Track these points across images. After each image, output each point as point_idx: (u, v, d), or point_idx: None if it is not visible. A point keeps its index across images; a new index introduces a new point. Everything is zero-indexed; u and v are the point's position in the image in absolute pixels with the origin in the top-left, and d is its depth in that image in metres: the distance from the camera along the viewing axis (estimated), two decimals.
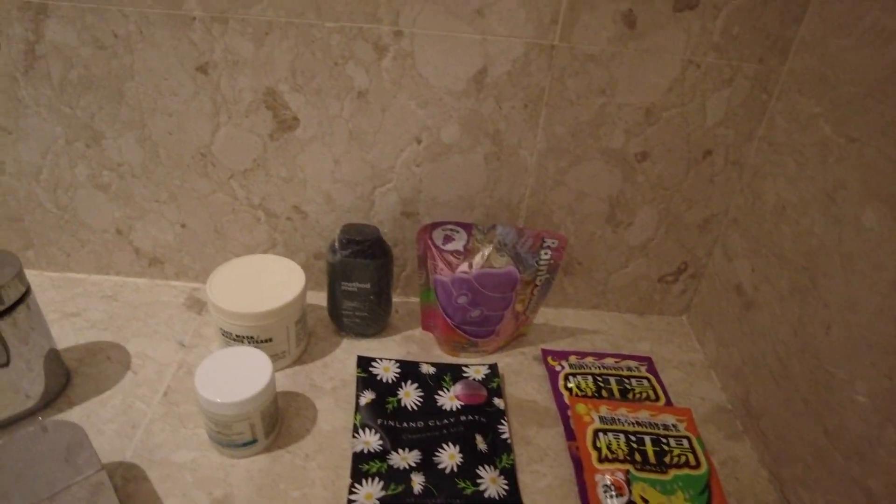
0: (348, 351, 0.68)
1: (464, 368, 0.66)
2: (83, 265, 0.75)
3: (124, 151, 0.66)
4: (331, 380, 0.64)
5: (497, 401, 0.63)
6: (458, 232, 0.63)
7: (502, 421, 0.61)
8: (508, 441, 0.59)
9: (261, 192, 0.68)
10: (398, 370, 0.64)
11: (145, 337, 0.67)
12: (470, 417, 0.60)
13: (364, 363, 0.64)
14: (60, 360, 0.61)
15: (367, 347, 0.68)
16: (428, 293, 0.68)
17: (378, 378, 0.63)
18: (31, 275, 0.75)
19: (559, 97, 0.62)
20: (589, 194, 0.68)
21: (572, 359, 0.69)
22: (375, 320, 0.68)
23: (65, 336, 0.66)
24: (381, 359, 0.65)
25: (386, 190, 0.68)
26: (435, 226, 0.63)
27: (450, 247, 0.64)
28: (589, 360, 0.69)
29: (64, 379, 0.61)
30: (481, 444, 0.57)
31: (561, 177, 0.67)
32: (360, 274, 0.64)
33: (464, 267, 0.63)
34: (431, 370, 0.65)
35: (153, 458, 0.54)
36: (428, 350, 0.69)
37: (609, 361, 0.70)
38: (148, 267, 0.75)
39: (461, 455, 0.56)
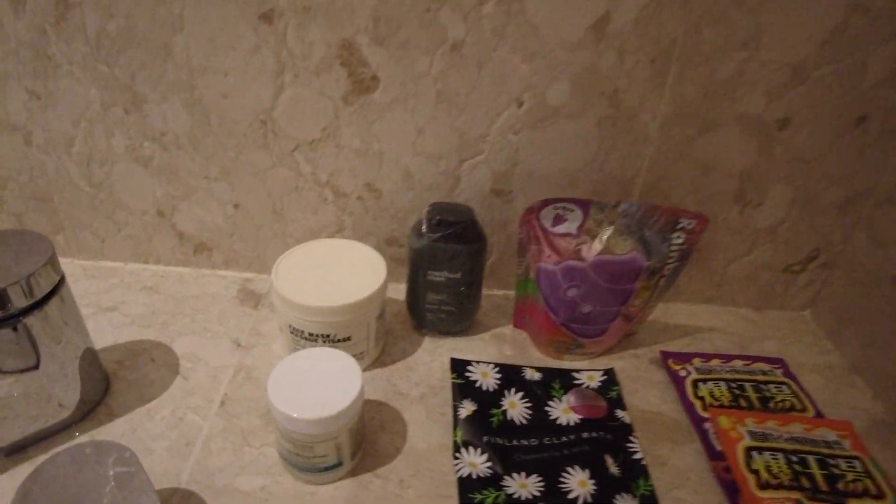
0: (431, 352, 0.57)
1: (574, 374, 0.55)
2: (119, 252, 0.65)
3: (169, 118, 0.56)
4: (417, 386, 0.54)
5: (621, 413, 0.52)
6: (571, 211, 0.53)
7: (631, 438, 0.50)
8: (643, 462, 0.48)
9: (329, 167, 0.58)
10: (498, 376, 0.53)
11: (194, 335, 0.57)
12: (593, 434, 0.49)
13: (459, 367, 0.54)
14: (98, 363, 0.51)
15: (454, 347, 0.58)
16: (526, 284, 0.58)
17: (477, 385, 0.52)
18: (62, 263, 0.65)
19: (693, 51, 0.52)
20: (717, 168, 0.58)
21: (697, 361, 0.58)
22: (463, 316, 0.58)
23: (101, 333, 0.56)
24: (477, 362, 0.54)
25: (475, 163, 0.57)
26: (545, 203, 0.53)
27: (560, 229, 0.53)
28: (715, 362, 0.59)
29: (103, 385, 0.51)
30: (612, 467, 0.47)
31: (686, 147, 0.56)
32: (451, 261, 0.53)
33: (579, 252, 0.52)
34: (537, 376, 0.54)
35: (214, 485, 0.44)
36: (523, 351, 0.59)
37: (738, 364, 0.59)
38: (193, 254, 0.65)
39: (593, 481, 0.45)
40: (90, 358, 0.49)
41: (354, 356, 0.51)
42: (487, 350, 0.58)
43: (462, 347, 0.58)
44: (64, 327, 0.46)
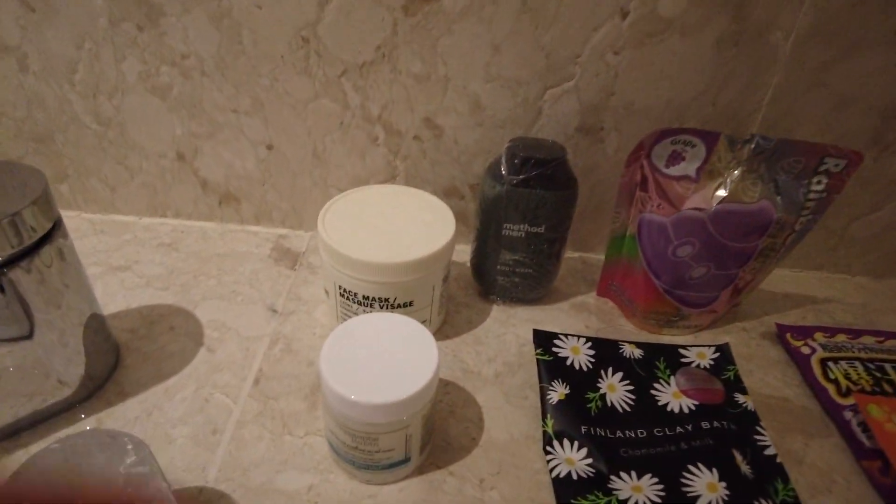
0: (503, 322, 0.48)
1: (682, 352, 0.45)
2: (133, 203, 0.56)
3: (192, 36, 0.46)
4: (489, 362, 0.44)
5: (741, 398, 0.42)
6: (693, 146, 0.42)
7: (759, 429, 0.40)
8: (778, 460, 0.38)
9: (382, 98, 0.48)
10: (591, 352, 0.44)
11: (220, 300, 0.48)
12: (714, 424, 0.39)
13: (544, 340, 0.44)
14: (107, 331, 0.42)
15: (529, 318, 0.48)
16: (621, 243, 0.48)
17: (569, 363, 0.43)
18: (67, 217, 0.56)
19: None
20: (856, 101, 0.47)
21: (819, 337, 0.48)
22: (543, 280, 0.48)
23: (110, 297, 0.47)
24: (565, 335, 0.45)
25: (562, 92, 0.47)
26: (662, 135, 0.42)
27: (676, 170, 0.43)
28: (841, 338, 0.48)
29: (112, 357, 0.42)
30: (743, 466, 0.37)
31: (823, 73, 0.45)
32: (535, 211, 0.43)
33: (696, 200, 0.42)
34: (637, 353, 0.44)
35: (248, 483, 0.35)
36: (613, 324, 0.49)
37: (869, 341, 0.49)
38: (218, 206, 0.56)
39: (723, 484, 0.35)
40: (97, 326, 0.40)
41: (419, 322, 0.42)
42: (569, 322, 0.48)
43: (539, 318, 0.48)
44: (64, 289, 0.37)
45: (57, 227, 0.36)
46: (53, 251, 0.35)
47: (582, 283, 0.53)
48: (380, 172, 0.52)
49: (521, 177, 0.42)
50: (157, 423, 0.38)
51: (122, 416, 0.38)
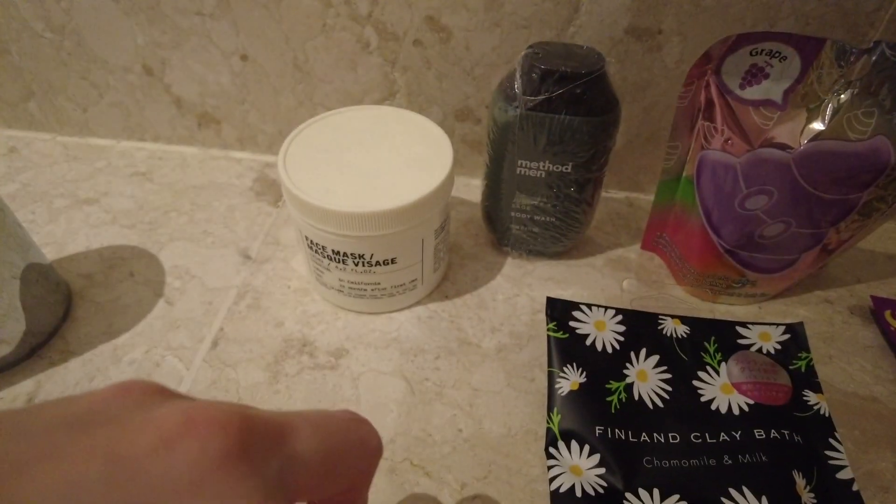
0: (517, 280, 0.39)
1: (740, 330, 0.35)
2: (107, 126, 0.49)
3: None
4: (493, 332, 0.36)
5: (812, 398, 0.32)
6: (782, 58, 0.30)
7: (833, 442, 0.31)
8: (855, 487, 0.29)
9: None
10: (621, 328, 0.35)
11: (189, 242, 0.42)
12: (774, 434, 0.30)
13: (560, 311, 0.35)
14: (55, 280, 0.36)
15: (550, 276, 0.39)
16: (675, 186, 0.37)
17: (589, 342, 0.34)
18: (38, 140, 0.50)
19: None
20: None
21: None
22: (569, 231, 0.38)
23: (72, 235, 0.42)
24: (589, 305, 0.36)
25: None
26: (737, 43, 0.30)
27: (755, 92, 0.31)
28: None
29: (61, 308, 0.37)
30: (805, 494, 0.28)
31: None
32: (560, 144, 0.33)
33: (779, 134, 0.30)
34: (681, 330, 0.35)
35: None
36: (657, 287, 0.39)
37: None
38: (198, 129, 0.48)
39: None
40: (37, 277, 0.35)
41: (400, 287, 0.34)
42: (601, 283, 0.39)
43: (562, 277, 0.39)
44: None
45: None
46: None
47: (624, 232, 0.43)
48: (375, 88, 0.42)
49: (540, 97, 0.32)
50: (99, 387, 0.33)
51: (61, 381, 0.34)
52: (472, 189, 0.45)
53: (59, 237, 0.42)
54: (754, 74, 0.30)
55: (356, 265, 0.33)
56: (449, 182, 0.33)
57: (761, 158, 0.31)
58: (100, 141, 0.50)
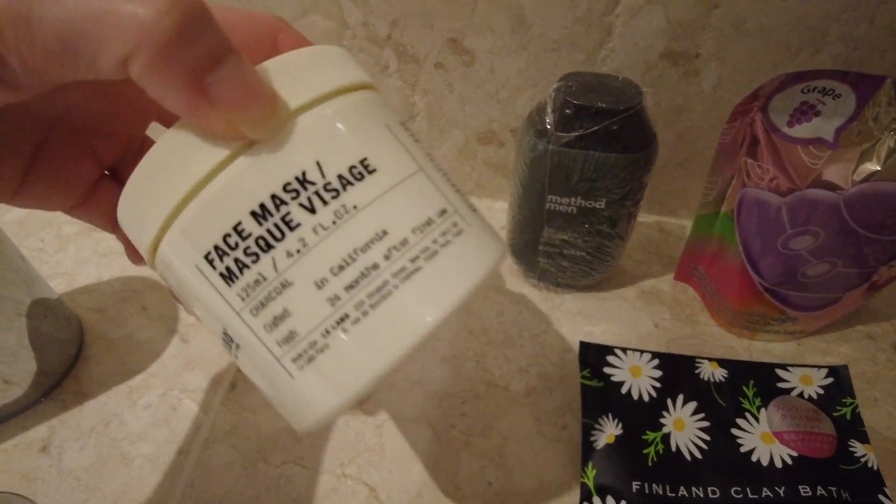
0: (545, 316, 0.38)
1: (779, 373, 0.34)
2: None
3: None
4: (521, 373, 0.35)
5: (859, 450, 0.31)
6: (836, 96, 0.28)
7: (882, 498, 0.29)
8: None
9: (391, 11, 0.36)
10: (656, 372, 0.33)
11: None
12: (820, 491, 0.29)
13: (594, 356, 0.34)
14: (65, 316, 0.35)
15: (579, 311, 0.38)
16: (713, 221, 0.35)
17: (625, 390, 0.32)
18: None
19: None
20: None
21: None
22: (601, 263, 0.37)
23: (82, 265, 0.41)
24: (623, 349, 0.34)
25: (643, 1, 0.33)
26: (790, 81, 0.28)
27: (804, 130, 0.29)
28: None
29: (73, 347, 0.36)
30: None
31: None
32: (593, 182, 0.31)
33: (829, 174, 0.29)
34: (719, 374, 0.33)
35: None
36: (691, 323, 0.37)
37: None
38: None
39: None
40: (44, 313, 0.33)
41: (430, 223, 0.16)
42: (632, 318, 0.37)
43: (593, 312, 0.38)
44: None
45: None
46: None
47: (655, 260, 0.41)
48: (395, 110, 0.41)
49: (574, 134, 0.30)
50: (115, 438, 0.32)
51: (76, 427, 0.32)
52: (495, 213, 0.44)
53: (68, 267, 0.40)
54: (804, 112, 0.28)
55: (311, 206, 0.15)
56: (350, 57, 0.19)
57: (808, 199, 0.29)
58: None
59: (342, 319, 0.15)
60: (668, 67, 0.35)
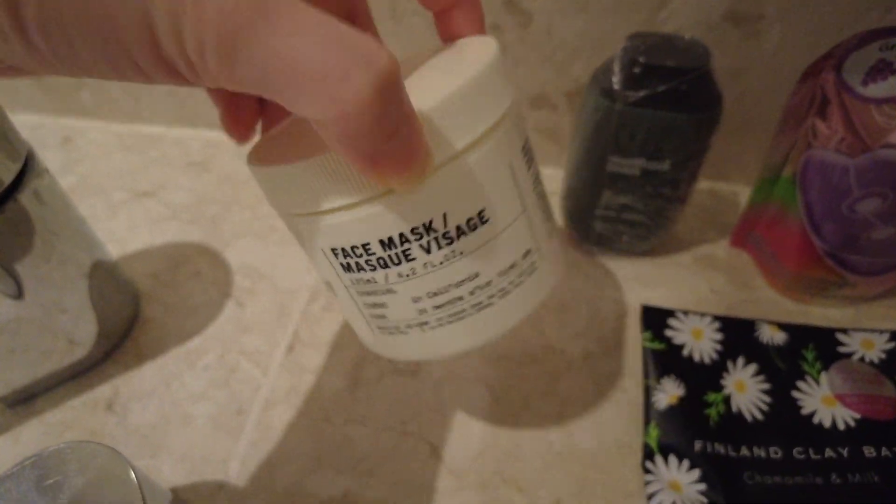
0: (599, 281, 0.37)
1: (840, 337, 0.33)
2: (159, 113, 0.48)
3: None
4: (577, 337, 0.35)
5: None
6: None
7: None
8: None
9: None
10: (718, 335, 0.33)
11: (255, 238, 0.40)
12: (885, 452, 0.29)
13: (655, 320, 0.34)
14: (121, 279, 0.36)
15: (636, 275, 0.38)
16: (773, 185, 0.35)
17: (686, 353, 0.32)
18: (92, 128, 0.49)
19: None
20: None
21: None
22: (660, 228, 0.36)
23: (135, 232, 0.41)
24: (684, 312, 0.34)
25: None
26: (870, 37, 0.27)
27: (879, 89, 0.28)
28: None
29: (130, 309, 0.36)
30: None
31: None
32: (660, 142, 0.31)
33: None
34: (778, 338, 0.33)
35: (275, 486, 0.29)
36: (747, 288, 0.37)
37: None
38: None
39: None
40: (104, 274, 0.34)
41: (513, 267, 0.20)
42: (689, 282, 0.37)
43: (649, 277, 0.38)
44: (52, 238, 0.30)
45: (29, 166, 0.28)
46: (28, 198, 0.28)
47: (710, 226, 0.41)
48: None
49: (642, 93, 0.30)
50: (177, 398, 0.32)
51: (139, 387, 0.33)
52: (545, 179, 0.43)
53: (120, 234, 0.41)
54: (881, 70, 0.28)
55: (428, 248, 0.19)
56: (503, 64, 0.19)
57: (881, 159, 0.29)
58: (152, 128, 0.49)
59: (423, 324, 0.20)
60: (729, 29, 0.34)
